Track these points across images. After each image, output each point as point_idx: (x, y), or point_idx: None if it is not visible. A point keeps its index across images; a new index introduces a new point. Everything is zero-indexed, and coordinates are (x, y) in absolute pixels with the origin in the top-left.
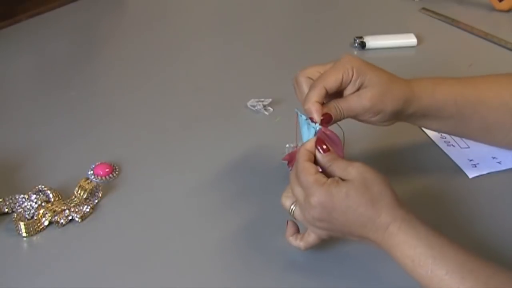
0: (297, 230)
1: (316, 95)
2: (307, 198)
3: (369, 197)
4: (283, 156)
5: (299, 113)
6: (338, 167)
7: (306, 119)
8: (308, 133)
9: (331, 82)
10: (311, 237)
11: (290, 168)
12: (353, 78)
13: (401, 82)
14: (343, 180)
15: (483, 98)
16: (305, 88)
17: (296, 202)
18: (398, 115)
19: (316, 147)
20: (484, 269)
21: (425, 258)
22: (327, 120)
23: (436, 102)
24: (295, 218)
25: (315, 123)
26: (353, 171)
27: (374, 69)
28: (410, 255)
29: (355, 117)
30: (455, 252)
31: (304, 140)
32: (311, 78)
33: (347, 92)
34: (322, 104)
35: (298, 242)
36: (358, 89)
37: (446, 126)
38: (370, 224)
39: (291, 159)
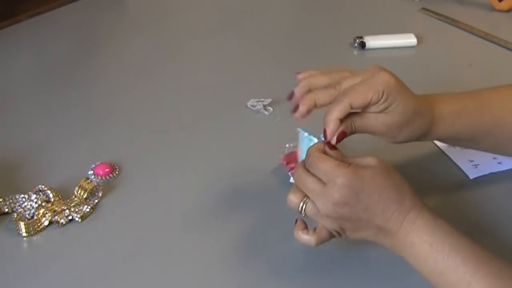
0: (306, 227)
1: (340, 112)
2: (331, 182)
3: (393, 182)
4: (282, 157)
5: (301, 131)
6: (355, 160)
7: (309, 134)
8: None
9: (359, 102)
10: (323, 231)
11: (288, 170)
12: (382, 101)
13: (424, 114)
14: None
15: (500, 123)
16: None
17: (306, 198)
18: (410, 140)
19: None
20: (497, 261)
21: (443, 243)
22: (340, 138)
23: (453, 132)
24: (305, 216)
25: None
26: (373, 160)
27: (405, 96)
28: (428, 240)
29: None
30: (470, 242)
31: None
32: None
33: (369, 109)
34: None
35: (309, 237)
36: (380, 111)
37: (457, 144)
38: (393, 208)
39: (289, 160)
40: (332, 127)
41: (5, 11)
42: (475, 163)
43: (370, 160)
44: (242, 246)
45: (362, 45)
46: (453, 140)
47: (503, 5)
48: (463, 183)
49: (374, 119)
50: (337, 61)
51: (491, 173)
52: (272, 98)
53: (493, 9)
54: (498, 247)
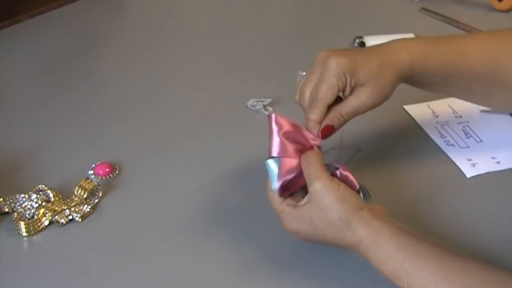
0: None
1: (318, 115)
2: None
3: (329, 222)
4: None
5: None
6: (307, 176)
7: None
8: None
9: (330, 97)
10: (274, 204)
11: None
12: (348, 83)
13: (392, 63)
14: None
15: (472, 69)
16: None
17: None
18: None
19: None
20: (461, 274)
21: (398, 272)
22: (329, 132)
23: (426, 71)
24: None
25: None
26: (313, 193)
27: (361, 62)
28: (384, 270)
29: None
30: (426, 262)
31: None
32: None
33: (345, 94)
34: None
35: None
36: (353, 88)
37: (428, 88)
38: (341, 244)
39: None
40: (315, 131)
41: (5, 11)
42: (473, 162)
43: (311, 192)
44: (242, 246)
45: (362, 45)
46: (427, 84)
47: (503, 5)
48: (460, 181)
49: (357, 100)
50: None
51: (489, 172)
52: (272, 98)
53: (493, 9)
54: (494, 247)
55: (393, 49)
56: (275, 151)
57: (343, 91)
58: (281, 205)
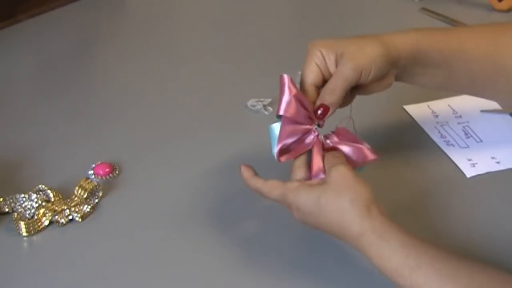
0: (255, 173)
1: (308, 95)
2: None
3: (339, 205)
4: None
5: (272, 127)
6: (328, 160)
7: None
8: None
9: (310, 76)
10: (276, 191)
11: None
12: (326, 57)
13: (374, 38)
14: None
15: (466, 48)
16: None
17: None
18: (388, 69)
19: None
20: (465, 273)
21: (402, 269)
22: (324, 111)
23: (421, 50)
24: None
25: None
26: (330, 175)
27: (341, 39)
28: (387, 267)
29: (355, 92)
30: (432, 259)
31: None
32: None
33: (331, 70)
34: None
35: (261, 186)
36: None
37: (436, 78)
38: (341, 232)
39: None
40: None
41: (5, 11)
42: (473, 162)
43: (328, 174)
44: (242, 246)
45: None
46: (430, 67)
47: (503, 5)
48: (460, 181)
49: (336, 71)
50: None
51: (489, 172)
52: (272, 98)
53: (493, 9)
54: (494, 247)
55: (380, 34)
56: (283, 109)
57: (328, 69)
58: (282, 187)
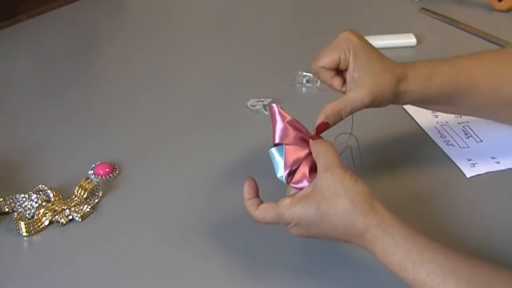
0: (256, 192)
1: (318, 63)
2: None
3: (340, 207)
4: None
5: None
6: (321, 166)
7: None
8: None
9: (326, 60)
10: (270, 214)
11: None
12: (348, 57)
13: (392, 71)
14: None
15: (474, 84)
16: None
17: None
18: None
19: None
20: (466, 268)
21: (405, 263)
22: (324, 128)
23: (430, 93)
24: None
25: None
26: (330, 178)
27: (369, 56)
28: (390, 261)
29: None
30: (434, 254)
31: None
32: (324, 67)
33: (340, 67)
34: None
35: (253, 211)
36: (353, 72)
37: (436, 108)
38: (347, 233)
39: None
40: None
41: (5, 11)
42: (473, 162)
43: (328, 177)
44: (242, 247)
45: None
46: (432, 102)
47: (503, 5)
48: (460, 181)
49: (352, 94)
50: None
51: (488, 172)
52: (272, 98)
53: (492, 9)
54: (493, 246)
55: (399, 64)
56: (278, 137)
57: (345, 68)
58: (272, 213)
